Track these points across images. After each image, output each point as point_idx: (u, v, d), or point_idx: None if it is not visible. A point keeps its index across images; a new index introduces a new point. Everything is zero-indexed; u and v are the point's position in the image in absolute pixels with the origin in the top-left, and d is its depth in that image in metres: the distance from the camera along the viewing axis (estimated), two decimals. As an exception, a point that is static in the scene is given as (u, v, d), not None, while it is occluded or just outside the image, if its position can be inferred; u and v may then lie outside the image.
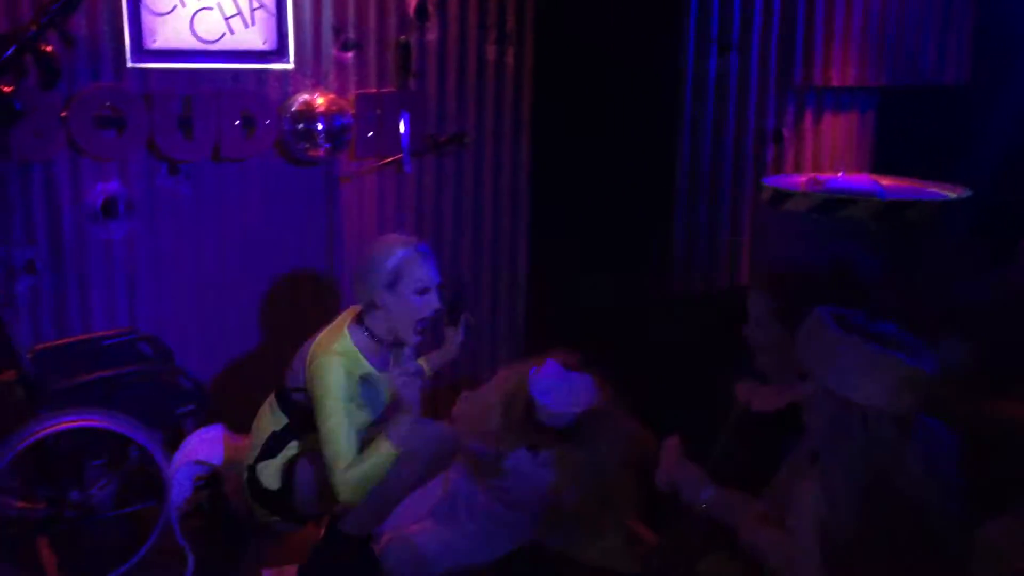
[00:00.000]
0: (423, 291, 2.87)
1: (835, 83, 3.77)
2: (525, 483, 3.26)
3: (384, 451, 2.78)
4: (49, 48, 3.22)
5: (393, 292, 2.85)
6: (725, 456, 2.52)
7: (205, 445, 3.26)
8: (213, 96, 3.54)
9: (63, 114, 3.37)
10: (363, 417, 2.88)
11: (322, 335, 2.92)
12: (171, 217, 3.67)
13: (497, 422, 3.28)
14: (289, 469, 2.91)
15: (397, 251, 2.88)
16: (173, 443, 3.33)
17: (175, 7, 3.46)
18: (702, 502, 2.37)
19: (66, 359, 3.33)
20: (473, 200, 4.05)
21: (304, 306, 3.89)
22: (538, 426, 3.24)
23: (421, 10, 3.80)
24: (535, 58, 3.96)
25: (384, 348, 2.96)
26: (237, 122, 3.58)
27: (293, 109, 3.64)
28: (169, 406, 3.30)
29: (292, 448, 2.94)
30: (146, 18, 3.43)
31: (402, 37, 3.78)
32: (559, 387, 3.23)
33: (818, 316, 1.96)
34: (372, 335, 2.91)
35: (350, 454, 2.77)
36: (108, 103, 3.42)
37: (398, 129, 3.77)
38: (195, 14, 3.48)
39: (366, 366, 2.90)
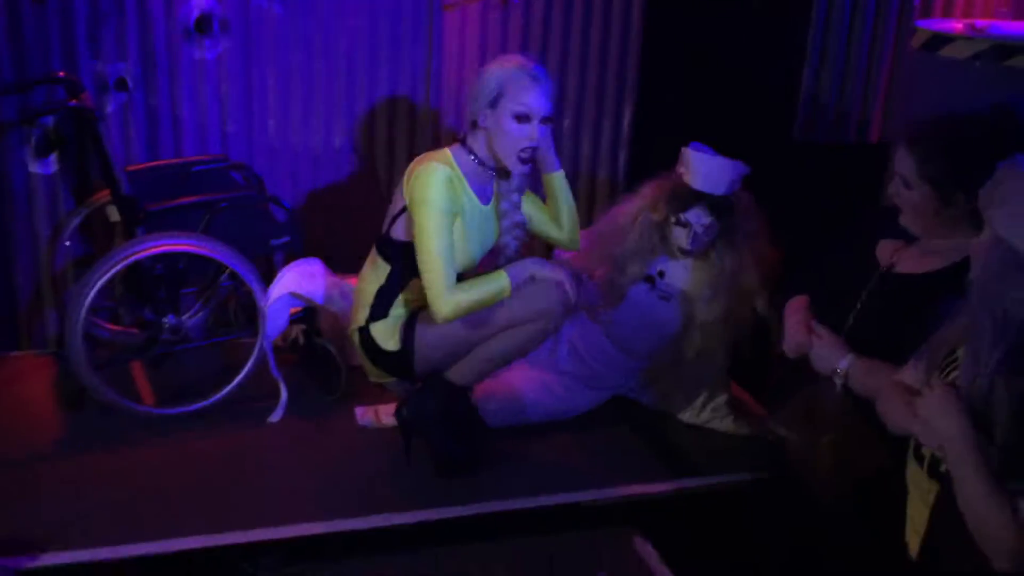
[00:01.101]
0: (522, 117, 2.63)
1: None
2: (642, 314, 3.12)
3: (497, 282, 2.65)
4: None
5: (494, 112, 2.64)
6: (864, 321, 2.33)
7: (302, 278, 3.16)
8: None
9: (158, -80, 3.15)
10: (461, 255, 2.71)
11: (422, 156, 2.72)
12: (266, 39, 3.47)
13: (619, 245, 3.09)
14: (408, 328, 2.76)
15: (507, 68, 2.65)
16: (267, 276, 3.25)
17: None
18: (840, 370, 2.20)
19: (158, 181, 3.23)
20: (580, 39, 3.77)
21: (400, 141, 3.72)
22: (681, 215, 3.02)
23: None
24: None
25: (487, 176, 2.75)
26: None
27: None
28: (265, 236, 3.20)
29: (400, 305, 2.78)
30: None
31: None
32: (713, 163, 2.99)
33: (1012, 163, 1.73)
34: (476, 159, 2.72)
35: (452, 275, 2.62)
36: (205, -91, 3.19)
37: (507, -44, 3.49)
38: None
39: (468, 191, 2.70)
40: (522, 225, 2.85)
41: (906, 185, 2.25)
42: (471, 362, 2.76)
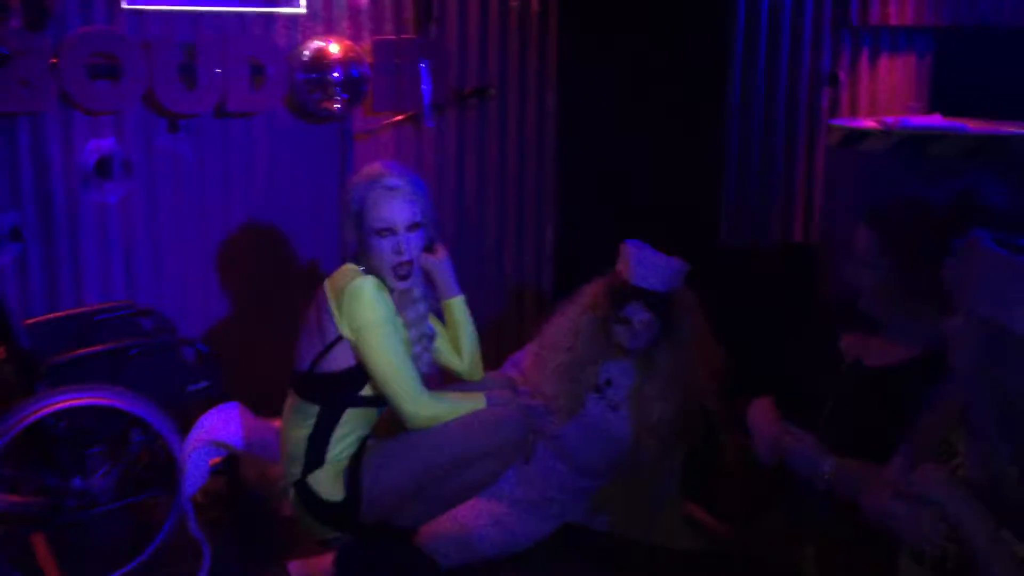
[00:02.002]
0: (384, 231, 2.47)
1: (893, 22, 3.53)
2: (593, 425, 2.98)
3: (474, 401, 2.50)
4: (37, -16, 2.91)
5: (360, 230, 2.50)
6: (837, 420, 2.24)
7: (221, 425, 2.94)
8: (217, 42, 3.21)
9: (53, 60, 3.02)
10: None
11: (333, 278, 2.54)
12: (171, 179, 3.34)
13: (568, 350, 2.97)
14: (352, 473, 2.51)
15: (360, 184, 2.51)
16: (183, 425, 3.01)
17: (173, -58, 3.14)
18: (824, 475, 2.10)
19: (59, 334, 3.00)
20: (498, 159, 3.77)
21: (318, 276, 3.58)
22: (620, 312, 2.93)
23: (441, -49, 3.52)
24: (562, 3, 3.69)
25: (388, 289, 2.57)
26: (244, 71, 3.26)
27: (305, 57, 3.33)
28: (180, 383, 2.97)
29: (337, 446, 2.55)
30: (143, -46, 3.11)
31: (422, -19, 3.49)
32: (650, 258, 2.93)
33: (975, 239, 1.70)
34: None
35: (418, 378, 2.46)
36: (102, 49, 3.08)
37: (417, 81, 3.48)
38: (196, -50, 3.16)
39: (390, 299, 2.52)
40: (431, 337, 2.67)
41: (867, 265, 2.21)
42: (424, 503, 2.54)
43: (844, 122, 3.14)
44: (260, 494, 3.05)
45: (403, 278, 2.52)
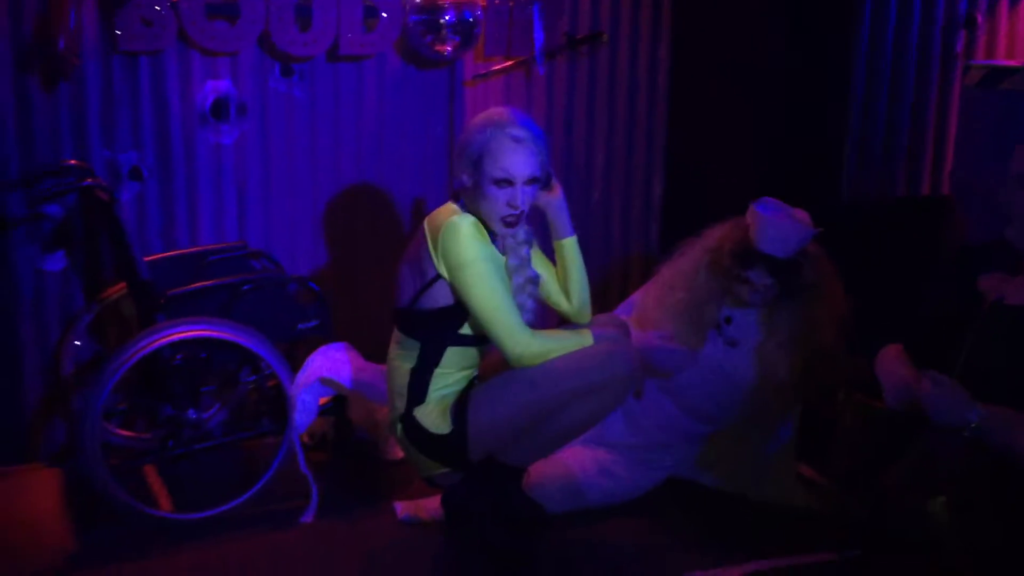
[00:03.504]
0: (502, 182, 2.43)
1: (1037, -40, 3.34)
2: (709, 362, 2.90)
3: (580, 337, 2.47)
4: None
5: (476, 173, 2.45)
6: (978, 361, 2.11)
7: (330, 364, 2.94)
8: (337, -17, 3.21)
9: (173, -1, 3.06)
10: None
11: (432, 216, 2.51)
12: (284, 122, 3.35)
13: (688, 289, 2.89)
14: (459, 408, 2.50)
15: (486, 129, 2.45)
16: (293, 363, 3.04)
17: None
18: (971, 423, 1.97)
19: (175, 271, 3.05)
20: (607, 109, 3.68)
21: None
22: (743, 272, 2.84)
23: None
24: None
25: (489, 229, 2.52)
26: (358, 13, 3.24)
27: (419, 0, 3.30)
28: (291, 320, 3.00)
29: (440, 383, 2.54)
30: None
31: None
32: (779, 225, 2.82)
33: None
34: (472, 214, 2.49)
35: (520, 319, 2.43)
36: (222, -12, 3.11)
37: (529, 26, 3.42)
38: None
39: (488, 240, 2.48)
40: (535, 281, 2.61)
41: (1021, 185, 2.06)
42: (532, 440, 2.50)
43: (985, 61, 2.97)
44: (367, 435, 3.06)
45: (510, 226, 2.48)
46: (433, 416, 2.53)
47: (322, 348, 2.98)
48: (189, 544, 2.72)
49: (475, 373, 2.61)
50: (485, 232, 2.48)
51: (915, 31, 3.37)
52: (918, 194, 3.43)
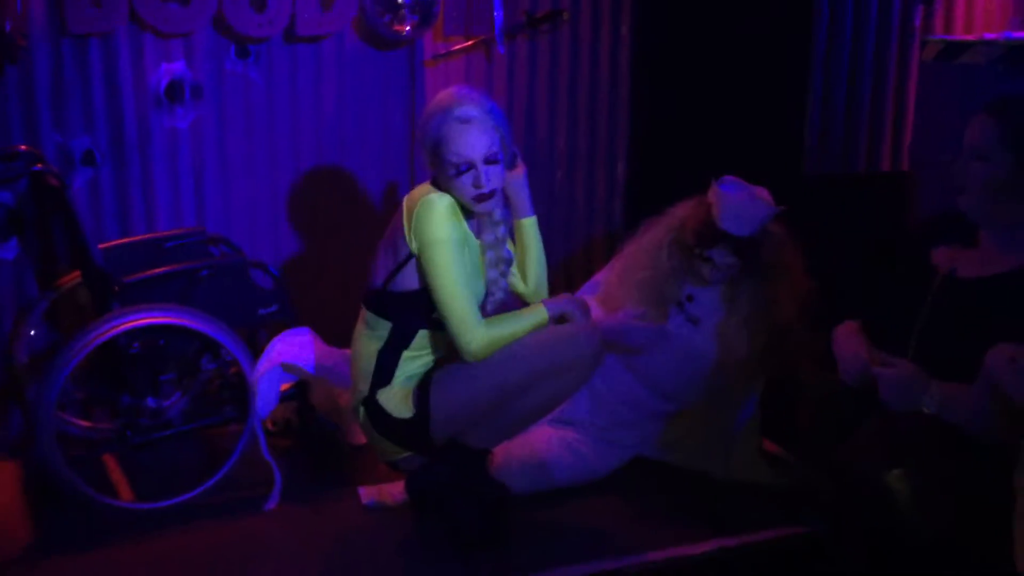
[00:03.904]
0: (460, 166, 2.39)
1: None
2: (674, 343, 2.89)
3: (535, 315, 2.45)
4: (107, -102, 2.86)
5: (437, 161, 2.43)
6: (932, 336, 2.12)
7: (292, 350, 2.90)
8: (288, -40, 3.16)
9: (123, -22, 3.00)
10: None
11: (411, 194, 2.48)
12: (241, 104, 3.30)
13: (650, 267, 2.89)
14: (422, 391, 2.48)
15: (436, 116, 2.41)
16: (254, 349, 3.00)
17: None
18: (925, 400, 1.98)
19: (131, 258, 2.99)
20: (569, 89, 3.66)
21: (385, 205, 3.53)
22: (705, 251, 2.85)
23: None
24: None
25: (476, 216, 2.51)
26: (314, -8, 3.20)
27: (376, -22, 3.25)
28: (251, 305, 2.95)
29: (406, 365, 2.52)
30: None
31: None
32: (741, 203, 2.82)
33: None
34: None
35: (476, 308, 2.41)
36: (172, -34, 3.05)
37: (489, 4, 3.39)
38: None
39: (463, 221, 2.46)
40: (509, 261, 2.60)
41: (979, 158, 2.07)
42: (495, 423, 2.49)
43: (942, 36, 2.99)
44: (330, 420, 3.03)
45: (484, 203, 2.44)
46: (396, 400, 2.50)
47: (283, 333, 2.93)
48: (152, 534, 2.68)
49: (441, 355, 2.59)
50: (460, 214, 2.45)
51: (874, 6, 3.38)
52: (878, 169, 3.45)
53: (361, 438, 3.16)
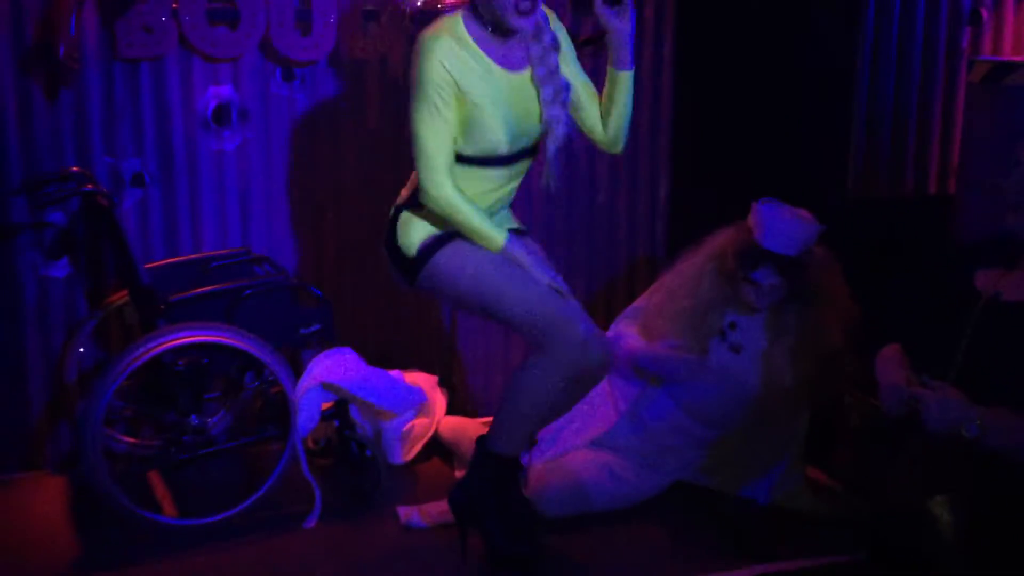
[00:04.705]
0: None
1: (1043, -46, 3.31)
2: (716, 371, 2.87)
3: (492, 231, 2.50)
4: (159, -73, 2.94)
5: None
6: (976, 361, 2.08)
7: (333, 368, 2.93)
8: (334, -14, 3.21)
9: (174, 6, 3.06)
10: (487, 133, 2.46)
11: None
12: (286, 127, 3.35)
13: (691, 296, 2.87)
14: (436, 243, 2.56)
15: None
16: (296, 369, 3.03)
17: None
18: (970, 427, 1.94)
19: (177, 277, 3.05)
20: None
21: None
22: (749, 274, 2.83)
23: None
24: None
25: (507, 40, 2.47)
26: (358, 18, 3.24)
27: (419, 4, 3.28)
28: (294, 324, 2.99)
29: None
30: (261, -102, 3.11)
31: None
32: (783, 222, 2.82)
33: None
34: (483, 22, 2.46)
35: (443, 158, 2.46)
36: (222, -7, 3.11)
37: (531, 28, 3.40)
38: None
39: (481, 56, 2.45)
40: (566, 89, 2.53)
41: None
42: (504, 422, 2.54)
43: (989, 57, 2.95)
44: (370, 440, 3.05)
45: (524, 14, 2.41)
46: (412, 231, 2.57)
47: (325, 352, 2.97)
48: (193, 549, 2.72)
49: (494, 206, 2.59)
50: (464, 55, 2.43)
51: (919, 27, 3.34)
52: (925, 192, 3.40)
53: (400, 457, 3.19)
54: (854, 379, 2.68)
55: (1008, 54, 3.34)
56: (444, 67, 2.41)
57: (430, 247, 2.55)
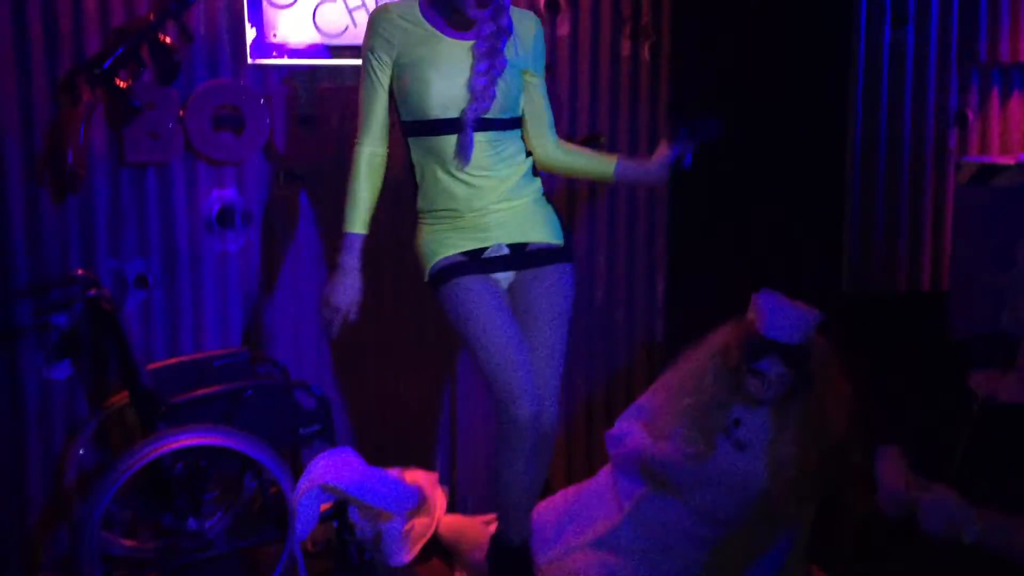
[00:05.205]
0: None
1: (1024, 58, 3.40)
2: (720, 468, 2.85)
3: (350, 209, 2.70)
4: (168, 40, 3.04)
5: None
6: (973, 463, 2.08)
7: (333, 470, 2.93)
8: (336, 93, 3.29)
9: (180, 112, 3.15)
10: (411, 73, 2.53)
11: None
12: (288, 228, 3.41)
13: (695, 393, 2.88)
14: (438, 274, 2.67)
15: None
16: (295, 468, 3.02)
17: (297, 0, 3.24)
18: (969, 530, 1.94)
19: (179, 378, 3.06)
20: (607, 207, 3.72)
21: (429, 326, 3.57)
22: (753, 365, 2.85)
23: (552, 3, 3.54)
24: (673, 51, 3.66)
25: (454, 13, 2.51)
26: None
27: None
28: (293, 425, 2.99)
29: (422, 183, 2.71)
30: (267, 11, 3.22)
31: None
32: (784, 309, 2.87)
33: None
34: (440, 10, 2.53)
35: (367, 124, 2.65)
36: (227, 102, 3.19)
37: (528, 130, 3.49)
38: (317, 7, 3.26)
39: (423, 22, 2.53)
40: (501, 67, 2.52)
41: None
42: (505, 514, 2.65)
43: (975, 158, 3.01)
44: (370, 542, 3.02)
45: (483, 5, 2.46)
46: (422, 246, 2.72)
47: (324, 453, 2.97)
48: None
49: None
50: (402, 22, 2.55)
51: (907, 127, 3.43)
52: (919, 288, 3.43)
53: (401, 558, 3.15)
54: (858, 473, 2.67)
55: (995, 154, 3.42)
56: (380, 35, 2.57)
57: (437, 277, 2.65)
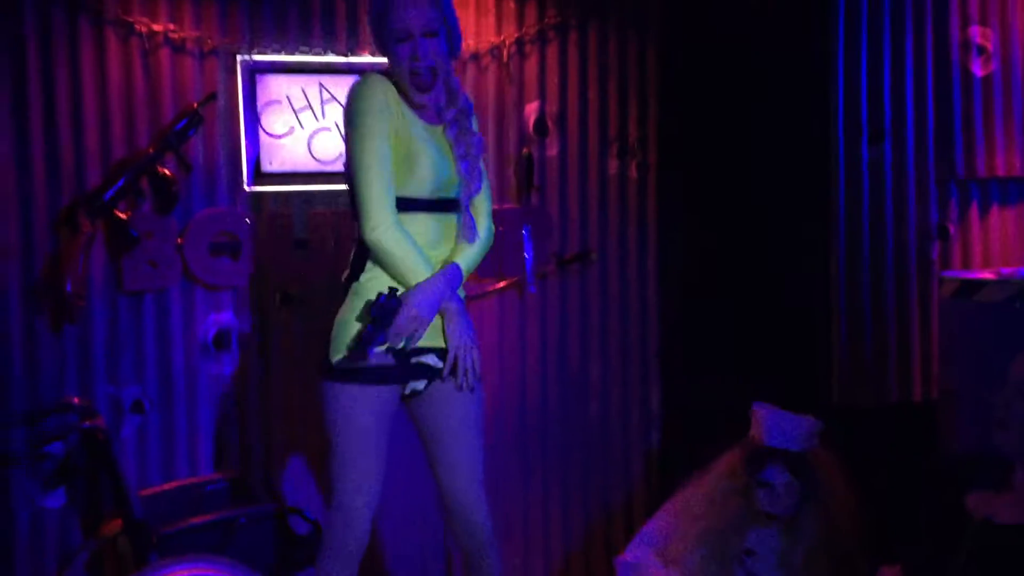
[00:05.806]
0: (402, 37, 2.38)
1: (1000, 173, 3.48)
2: None
3: (425, 266, 2.42)
4: (167, 172, 3.12)
5: (381, 36, 2.45)
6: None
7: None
8: (331, 218, 3.38)
9: (179, 241, 3.21)
10: (413, 178, 2.41)
11: None
12: (284, 350, 3.43)
13: (705, 518, 2.86)
14: (341, 372, 2.47)
15: None
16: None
17: (292, 129, 3.35)
18: None
19: (172, 505, 3.05)
20: (600, 323, 3.76)
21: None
22: (759, 475, 2.86)
23: (540, 125, 3.65)
24: (659, 169, 3.76)
25: (418, 105, 2.46)
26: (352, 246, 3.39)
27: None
28: (287, 552, 2.96)
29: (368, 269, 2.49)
30: (264, 141, 3.32)
31: (525, 150, 3.61)
32: (783, 417, 2.91)
33: None
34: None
35: (388, 193, 2.36)
36: (224, 229, 3.26)
37: (520, 248, 3.56)
38: (312, 136, 3.36)
39: (405, 107, 2.43)
40: (479, 145, 2.52)
41: (1021, 395, 2.08)
42: None
43: (956, 274, 3.07)
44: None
45: (423, 89, 2.43)
46: (350, 308, 2.48)
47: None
48: None
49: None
50: (397, 96, 2.43)
51: (890, 240, 3.50)
52: (910, 399, 3.45)
53: None
54: None
55: (978, 266, 3.47)
56: (385, 100, 2.42)
57: (338, 372, 2.48)
